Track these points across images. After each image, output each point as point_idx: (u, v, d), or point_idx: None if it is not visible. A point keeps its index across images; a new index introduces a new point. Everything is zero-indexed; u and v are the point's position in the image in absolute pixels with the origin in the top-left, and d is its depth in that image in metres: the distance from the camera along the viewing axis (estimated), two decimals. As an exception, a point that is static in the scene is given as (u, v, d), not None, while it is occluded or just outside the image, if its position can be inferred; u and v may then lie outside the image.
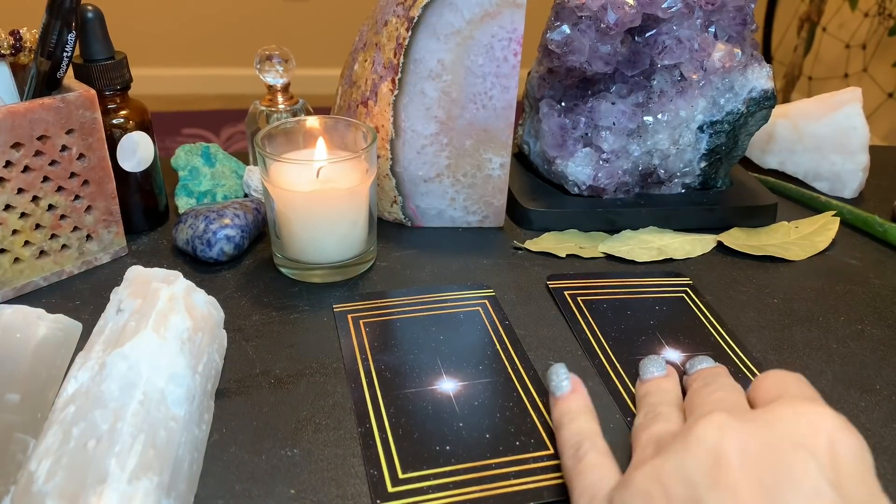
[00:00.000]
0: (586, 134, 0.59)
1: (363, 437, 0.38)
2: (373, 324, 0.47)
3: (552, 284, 0.51)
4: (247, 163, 0.65)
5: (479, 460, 0.37)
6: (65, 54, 0.47)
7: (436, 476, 0.36)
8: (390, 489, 0.35)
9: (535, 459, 0.37)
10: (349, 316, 0.48)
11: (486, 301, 0.50)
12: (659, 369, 0.39)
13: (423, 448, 0.37)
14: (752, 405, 0.33)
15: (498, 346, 0.45)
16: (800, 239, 0.58)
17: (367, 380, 0.42)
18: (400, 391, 0.41)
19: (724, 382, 0.35)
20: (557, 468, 0.36)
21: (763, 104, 0.57)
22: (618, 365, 0.44)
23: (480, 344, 0.46)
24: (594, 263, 0.55)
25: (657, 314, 0.49)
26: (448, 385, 0.42)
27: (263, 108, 0.62)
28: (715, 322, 0.48)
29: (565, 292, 0.51)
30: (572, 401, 0.36)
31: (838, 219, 0.60)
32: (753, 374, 0.44)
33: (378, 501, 0.34)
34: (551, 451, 0.38)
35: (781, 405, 0.29)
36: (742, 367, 0.44)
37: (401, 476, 0.36)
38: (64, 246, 0.50)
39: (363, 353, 0.44)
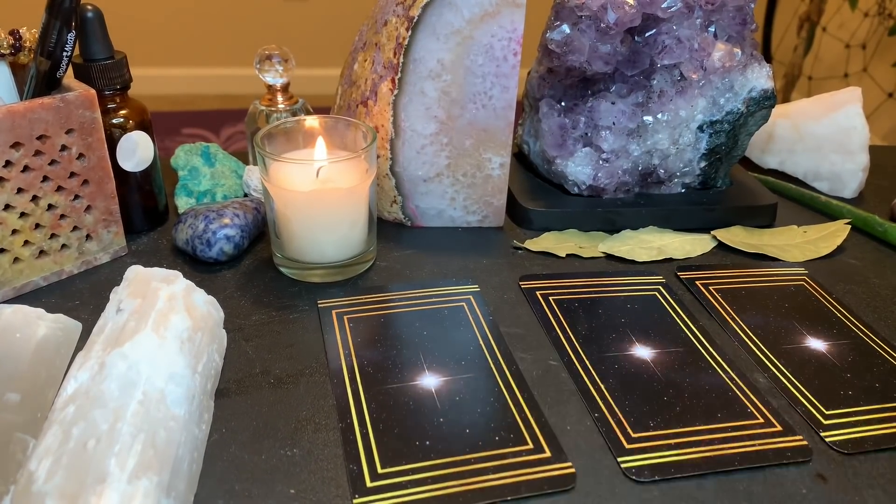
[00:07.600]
0: (586, 134, 0.59)
1: (343, 432, 0.38)
2: (356, 319, 0.47)
3: (524, 285, 0.51)
4: (247, 162, 0.65)
5: (459, 455, 0.37)
6: (64, 54, 0.47)
7: (415, 471, 0.36)
8: (369, 484, 0.35)
9: (514, 454, 0.37)
10: (333, 312, 0.48)
11: (470, 297, 0.50)
12: None
13: (403, 443, 0.38)
14: None
15: (481, 342, 0.45)
16: (804, 243, 0.58)
17: (349, 375, 0.42)
18: (382, 387, 0.42)
19: None
20: (535, 463, 0.37)
21: (763, 104, 0.57)
22: (588, 362, 0.44)
23: (463, 340, 0.46)
24: (593, 263, 0.55)
25: (629, 312, 0.49)
26: (430, 381, 0.42)
27: (263, 107, 0.62)
28: (687, 319, 0.48)
29: (537, 293, 0.51)
30: None
31: (849, 227, 0.59)
32: (724, 371, 0.43)
33: (356, 496, 0.35)
34: (530, 446, 0.38)
35: None
36: (712, 362, 0.44)
37: (380, 471, 0.36)
38: (64, 246, 0.50)
39: (346, 348, 0.44)
